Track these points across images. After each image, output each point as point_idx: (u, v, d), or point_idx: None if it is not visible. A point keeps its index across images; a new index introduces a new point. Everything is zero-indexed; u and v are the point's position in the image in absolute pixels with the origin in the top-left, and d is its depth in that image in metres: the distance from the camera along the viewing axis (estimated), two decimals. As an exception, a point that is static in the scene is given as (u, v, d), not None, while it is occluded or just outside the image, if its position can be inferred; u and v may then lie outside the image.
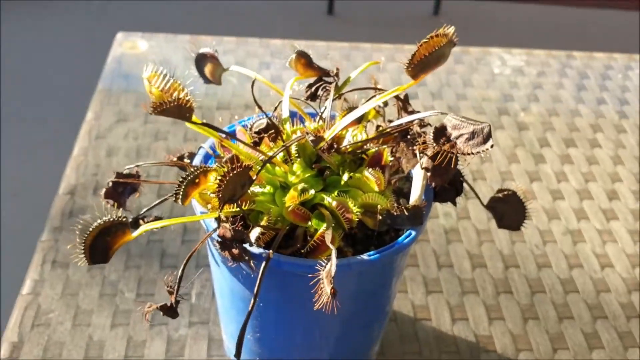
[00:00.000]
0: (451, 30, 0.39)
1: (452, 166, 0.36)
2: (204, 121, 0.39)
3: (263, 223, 0.38)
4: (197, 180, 0.37)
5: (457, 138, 0.36)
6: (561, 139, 0.75)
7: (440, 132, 0.36)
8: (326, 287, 0.33)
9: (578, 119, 0.79)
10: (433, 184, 0.41)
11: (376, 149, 0.42)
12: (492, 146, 0.35)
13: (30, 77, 1.81)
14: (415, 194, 0.40)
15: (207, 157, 0.44)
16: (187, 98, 0.37)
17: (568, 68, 0.88)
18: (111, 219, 0.36)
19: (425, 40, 0.38)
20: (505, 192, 0.44)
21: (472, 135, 0.35)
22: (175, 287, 0.35)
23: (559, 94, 0.83)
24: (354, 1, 2.26)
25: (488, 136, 0.35)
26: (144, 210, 0.41)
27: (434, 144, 0.36)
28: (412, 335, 0.53)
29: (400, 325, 0.54)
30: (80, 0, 2.13)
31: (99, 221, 0.36)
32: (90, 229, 0.35)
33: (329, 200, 0.39)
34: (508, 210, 0.44)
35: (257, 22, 2.09)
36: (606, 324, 0.56)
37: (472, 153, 0.35)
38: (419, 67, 0.39)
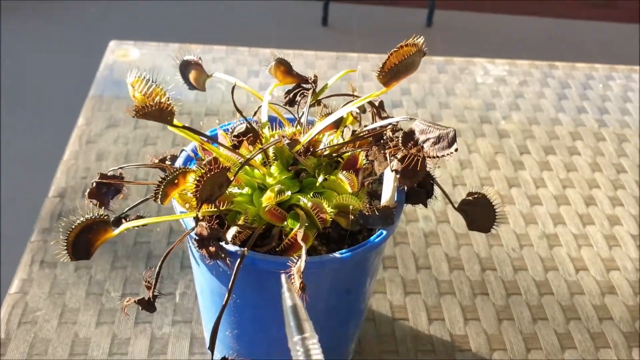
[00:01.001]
0: (421, 40, 0.40)
1: (419, 169, 0.38)
2: (186, 124, 0.41)
3: (240, 222, 0.40)
4: (176, 181, 0.38)
5: (424, 142, 0.38)
6: (541, 147, 0.77)
7: (409, 137, 0.38)
8: (296, 282, 0.34)
9: (558, 127, 0.81)
10: (403, 186, 0.43)
11: (351, 152, 0.44)
12: (456, 150, 0.37)
13: (25, 85, 1.83)
14: (386, 195, 0.42)
15: (188, 160, 0.46)
16: (168, 102, 0.38)
17: (550, 78, 0.90)
18: (93, 217, 0.37)
19: (395, 49, 0.40)
20: (476, 195, 0.45)
21: (438, 139, 0.37)
22: (153, 282, 0.37)
23: (540, 103, 0.85)
24: (349, 13, 2.28)
25: (453, 140, 0.37)
26: (126, 209, 0.42)
27: (403, 148, 0.38)
28: (389, 334, 0.55)
29: (378, 325, 0.55)
30: (77, 1, 2.16)
31: (81, 219, 0.37)
32: (73, 227, 0.37)
33: (304, 201, 0.40)
34: (478, 212, 0.45)
35: (251, 33, 2.11)
36: (579, 325, 0.57)
37: (438, 156, 0.37)
38: (389, 75, 0.41)
